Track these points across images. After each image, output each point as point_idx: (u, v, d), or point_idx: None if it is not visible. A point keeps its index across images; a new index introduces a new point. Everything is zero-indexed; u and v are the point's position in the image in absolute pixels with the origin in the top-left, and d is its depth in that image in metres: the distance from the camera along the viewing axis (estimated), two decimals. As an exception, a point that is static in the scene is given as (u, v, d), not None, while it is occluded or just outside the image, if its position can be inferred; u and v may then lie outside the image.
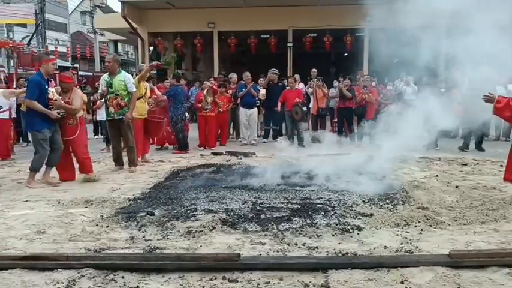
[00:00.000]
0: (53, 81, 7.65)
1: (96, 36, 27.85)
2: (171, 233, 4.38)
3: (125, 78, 7.54)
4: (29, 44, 23.44)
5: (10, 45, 19.47)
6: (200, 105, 10.71)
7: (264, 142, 11.90)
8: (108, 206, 5.39)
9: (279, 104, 11.25)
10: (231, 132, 12.70)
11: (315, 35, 19.07)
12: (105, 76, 7.76)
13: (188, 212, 5.05)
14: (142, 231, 4.43)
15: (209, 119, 10.79)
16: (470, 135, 9.97)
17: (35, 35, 24.70)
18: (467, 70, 9.48)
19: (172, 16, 18.48)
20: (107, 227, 4.54)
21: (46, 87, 6.58)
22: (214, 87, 10.81)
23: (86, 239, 4.21)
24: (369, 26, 17.41)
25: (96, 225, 4.61)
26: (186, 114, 10.53)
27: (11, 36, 29.97)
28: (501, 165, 7.75)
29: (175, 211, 5.09)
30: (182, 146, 10.05)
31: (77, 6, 42.01)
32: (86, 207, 5.35)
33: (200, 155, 9.55)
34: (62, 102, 6.72)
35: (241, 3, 17.40)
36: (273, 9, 17.73)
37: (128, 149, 7.71)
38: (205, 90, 10.86)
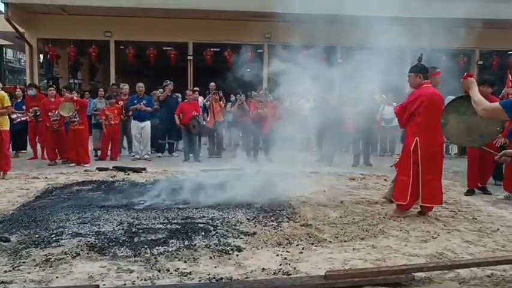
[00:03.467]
0: None
1: (-22, 40, 25.39)
2: (24, 262, 3.81)
3: None
4: None
5: None
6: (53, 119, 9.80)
7: (159, 156, 11.41)
8: (-45, 232, 4.63)
9: (176, 117, 10.86)
10: (124, 146, 12.02)
11: (218, 49, 18.98)
12: None
13: (52, 236, 4.48)
14: (-11, 262, 3.81)
15: (77, 132, 9.78)
16: (360, 151, 10.35)
17: None
18: (357, 90, 9.94)
19: (66, 22, 17.30)
20: None
21: None
22: (75, 98, 9.94)
23: None
24: (268, 42, 17.86)
25: None
26: None
27: None
28: (385, 180, 8.07)
29: (37, 236, 4.50)
30: None
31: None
32: None
33: (84, 170, 8.83)
34: None
35: (139, 13, 16.79)
36: (173, 21, 17.33)
37: None
38: (62, 103, 9.82)
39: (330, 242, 4.52)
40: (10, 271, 3.64)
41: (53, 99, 10.04)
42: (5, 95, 7.97)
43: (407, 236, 4.77)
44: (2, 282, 3.41)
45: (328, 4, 12.33)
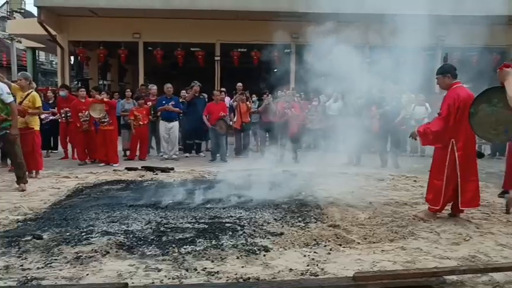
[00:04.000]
0: None
1: (13, 43, 26.10)
2: (56, 259, 3.89)
3: None
4: None
5: None
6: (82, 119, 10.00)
7: (186, 156, 11.51)
8: (-9, 229, 4.77)
9: (205, 118, 10.93)
10: (153, 146, 12.17)
11: (245, 49, 19.02)
12: None
13: (82, 234, 4.56)
14: (22, 259, 3.90)
15: (107, 133, 9.96)
16: (387, 152, 10.16)
17: None
18: (385, 88, 9.79)
19: (95, 25, 17.64)
20: (-20, 254, 3.96)
21: None
22: (105, 100, 10.14)
23: (-51, 270, 3.62)
24: (295, 42, 17.78)
25: (-32, 252, 4.02)
26: None
27: None
28: (415, 181, 7.92)
29: (68, 234, 4.58)
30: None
31: (-5, 11, 39.41)
32: (-38, 231, 4.69)
33: (113, 170, 8.98)
34: None
35: (168, 14, 16.97)
36: (200, 22, 17.43)
37: (16, 166, 6.97)
38: (92, 104, 10.00)
39: (358, 243, 4.45)
40: (43, 268, 3.71)
41: (83, 100, 10.25)
42: (37, 95, 8.17)
43: (438, 238, 4.66)
44: (35, 278, 3.48)
45: (356, 3, 12.21)
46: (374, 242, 4.48)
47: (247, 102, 12.08)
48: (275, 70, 20.88)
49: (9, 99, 6.75)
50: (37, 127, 8.13)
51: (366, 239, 4.58)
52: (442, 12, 9.35)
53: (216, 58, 18.64)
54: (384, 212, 5.67)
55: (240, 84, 12.82)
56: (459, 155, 5.18)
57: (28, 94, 7.82)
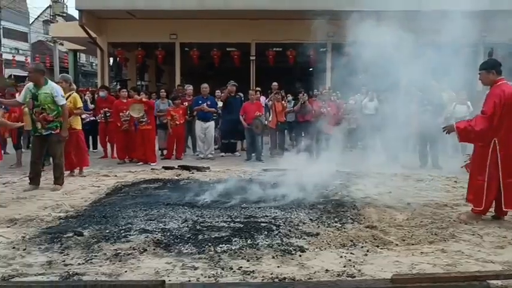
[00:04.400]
0: None
1: (56, 46, 27.02)
2: (95, 256, 3.98)
3: (51, 91, 6.88)
4: (-18, 52, 22.53)
5: (-39, 52, 18.62)
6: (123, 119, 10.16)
7: (222, 156, 11.59)
8: (34, 225, 4.94)
9: (241, 117, 10.97)
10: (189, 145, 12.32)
11: (280, 49, 18.98)
12: (30, 86, 6.96)
13: (121, 232, 4.66)
14: (64, 255, 4.02)
15: (145, 132, 10.13)
16: (427, 152, 9.89)
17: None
18: (425, 87, 9.54)
19: (133, 26, 18.02)
20: (24, 249, 4.10)
21: None
22: (144, 100, 10.34)
23: (-4, 265, 3.77)
24: (331, 40, 17.61)
25: (13, 247, 4.16)
26: None
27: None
28: (455, 181, 7.69)
29: (107, 231, 4.69)
30: None
31: (38, 16, 40.92)
32: (8, 227, 4.88)
33: (151, 169, 9.14)
34: None
35: (204, 15, 17.14)
36: (236, 22, 17.54)
37: (55, 166, 7.15)
38: (131, 104, 10.18)
39: (397, 245, 4.36)
40: (83, 264, 3.81)
41: (125, 101, 10.49)
42: (77, 96, 8.42)
43: (481, 241, 4.50)
44: (76, 273, 3.58)
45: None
46: (413, 244, 4.37)
47: (283, 102, 12.04)
48: (311, 69, 20.79)
49: (63, 101, 7.01)
50: (79, 127, 8.40)
51: (404, 240, 4.47)
52: (483, 7, 9.04)
53: (252, 58, 18.70)
54: (423, 213, 5.53)
55: (275, 83, 12.79)
56: (502, 155, 4.99)
57: (69, 95, 8.06)
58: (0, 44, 22.86)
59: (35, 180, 7.04)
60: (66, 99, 7.98)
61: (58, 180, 7.11)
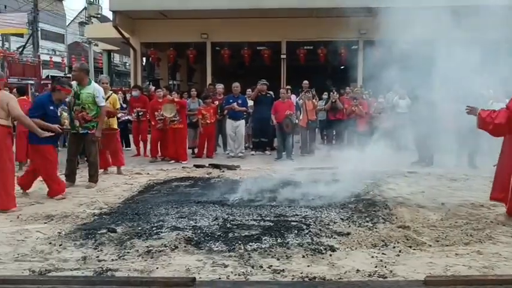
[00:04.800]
0: None
1: (91, 47, 27.72)
2: (128, 252, 4.06)
3: (93, 91, 7.04)
4: (21, 53, 23.28)
5: (1, 54, 19.27)
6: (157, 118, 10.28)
7: (252, 155, 11.61)
8: (70, 221, 5.08)
9: (272, 116, 10.96)
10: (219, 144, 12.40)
11: (311, 47, 18.86)
12: (74, 85, 7.14)
13: (153, 229, 4.73)
14: (98, 251, 4.11)
15: (177, 131, 10.28)
16: (464, 151, 9.60)
17: (28, 45, 24.55)
18: (459, 85, 9.27)
19: (165, 26, 18.26)
20: (60, 245, 4.22)
21: None
22: (176, 100, 10.45)
23: (34, 259, 3.89)
24: (363, 38, 17.39)
25: (50, 243, 4.29)
26: None
27: (6, 46, 29.93)
28: (490, 181, 7.44)
29: (140, 228, 4.77)
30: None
31: (74, 18, 42.03)
32: (45, 223, 5.03)
33: (182, 167, 9.24)
34: None
35: (235, 14, 17.21)
36: (266, 21, 17.52)
37: (90, 164, 7.33)
38: (164, 104, 10.34)
39: (430, 245, 4.26)
40: (116, 260, 3.89)
41: (160, 100, 10.66)
42: (116, 97, 8.61)
43: (520, 243, 4.36)
44: (110, 269, 3.65)
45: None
46: (447, 245, 4.26)
47: (313, 100, 11.96)
48: (342, 67, 20.59)
49: (103, 102, 7.18)
50: (116, 125, 8.58)
51: (438, 241, 4.37)
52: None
53: (282, 56, 18.64)
54: (457, 214, 5.39)
55: (306, 81, 12.72)
56: None
57: (108, 96, 8.24)
58: (39, 46, 23.57)
59: (70, 177, 7.22)
60: (106, 99, 8.17)
61: (93, 178, 7.27)
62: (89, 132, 7.13)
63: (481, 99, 10.12)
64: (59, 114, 6.49)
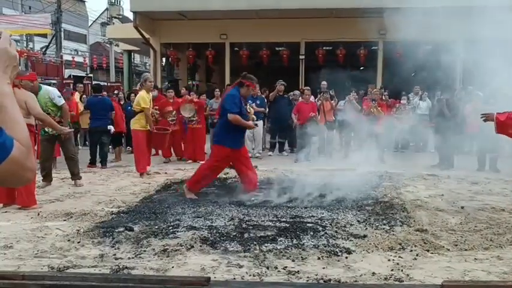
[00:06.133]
0: None
1: (112, 47, 28.06)
2: (144, 251, 4.10)
3: (48, 95, 6.89)
4: (45, 53, 23.71)
5: (25, 54, 19.65)
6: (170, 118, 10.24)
7: (270, 155, 11.60)
8: (89, 219, 5.15)
9: (294, 116, 10.90)
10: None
11: (330, 48, 18.75)
12: None
13: (169, 228, 4.77)
14: (115, 249, 4.16)
15: (196, 131, 10.35)
16: (485, 154, 9.42)
17: (52, 45, 24.96)
18: (485, 86, 9.11)
19: (185, 27, 18.37)
20: (78, 242, 4.28)
21: None
22: (195, 100, 10.48)
23: (53, 256, 3.96)
24: (383, 39, 17.23)
25: (68, 240, 4.36)
26: (110, 126, 9.77)
27: (31, 46, 30.51)
28: (514, 185, 7.31)
29: (156, 227, 4.81)
30: (94, 161, 9.55)
31: (96, 19, 42.62)
32: (64, 220, 5.11)
33: (200, 167, 9.27)
34: None
35: (253, 15, 17.23)
36: (285, 21, 17.47)
37: (69, 161, 7.30)
38: (182, 104, 10.39)
39: (448, 250, 4.19)
40: (133, 258, 3.93)
41: (171, 101, 10.72)
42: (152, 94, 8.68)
43: (541, 248, 4.26)
44: (126, 267, 3.69)
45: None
46: (466, 250, 4.19)
47: (332, 101, 11.88)
48: (361, 68, 20.43)
49: (62, 102, 7.06)
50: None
51: (456, 245, 4.30)
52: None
53: (301, 57, 18.58)
54: (477, 218, 5.30)
55: (324, 82, 12.65)
56: None
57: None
58: (62, 46, 23.97)
59: (47, 178, 7.22)
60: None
61: (77, 176, 7.33)
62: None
63: (506, 99, 9.96)
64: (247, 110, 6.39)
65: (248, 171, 6.43)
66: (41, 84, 7.27)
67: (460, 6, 9.01)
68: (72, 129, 6.82)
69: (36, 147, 6.99)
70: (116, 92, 14.16)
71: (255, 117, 6.42)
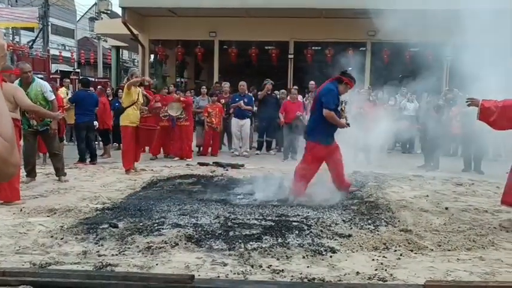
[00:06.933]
0: None
1: (100, 42, 27.81)
2: (128, 248, 4.07)
3: (41, 88, 6.83)
4: (31, 47, 23.36)
5: (11, 48, 19.33)
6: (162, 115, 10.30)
7: (257, 154, 11.60)
8: (73, 215, 5.10)
9: (281, 116, 10.90)
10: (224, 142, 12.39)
11: (319, 48, 18.80)
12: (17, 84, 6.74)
13: (154, 225, 4.74)
14: (99, 245, 4.12)
15: (183, 128, 10.34)
16: (470, 156, 9.53)
17: (39, 39, 24.64)
18: (471, 88, 9.21)
19: (174, 24, 18.28)
20: (61, 239, 4.24)
21: None
22: (182, 98, 10.48)
23: (35, 252, 3.91)
24: (371, 40, 17.32)
25: (51, 236, 4.31)
26: (95, 122, 9.80)
27: (17, 40, 30.06)
28: (497, 187, 7.37)
29: (141, 224, 4.78)
30: (83, 158, 9.36)
31: (85, 14, 42.13)
32: (48, 216, 5.06)
33: (186, 164, 9.25)
34: None
35: (243, 13, 17.20)
36: (275, 20, 17.47)
37: (54, 157, 7.25)
38: (169, 103, 10.37)
39: (432, 250, 4.23)
40: (117, 255, 3.90)
41: (164, 96, 10.70)
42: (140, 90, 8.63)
43: (523, 250, 4.32)
44: (110, 264, 3.66)
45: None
46: (449, 250, 4.24)
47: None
48: (349, 68, 20.54)
49: (52, 97, 7.00)
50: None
51: (440, 246, 4.34)
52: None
53: (290, 56, 18.60)
54: (461, 219, 5.35)
55: (312, 82, 12.66)
56: None
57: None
58: (49, 40, 23.68)
59: (31, 173, 7.10)
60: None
61: (61, 172, 7.27)
62: (48, 128, 6.99)
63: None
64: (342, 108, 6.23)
65: (340, 169, 6.25)
66: (35, 77, 7.19)
67: (446, 9, 9.11)
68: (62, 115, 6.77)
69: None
70: (99, 87, 13.84)
71: (348, 116, 6.27)
